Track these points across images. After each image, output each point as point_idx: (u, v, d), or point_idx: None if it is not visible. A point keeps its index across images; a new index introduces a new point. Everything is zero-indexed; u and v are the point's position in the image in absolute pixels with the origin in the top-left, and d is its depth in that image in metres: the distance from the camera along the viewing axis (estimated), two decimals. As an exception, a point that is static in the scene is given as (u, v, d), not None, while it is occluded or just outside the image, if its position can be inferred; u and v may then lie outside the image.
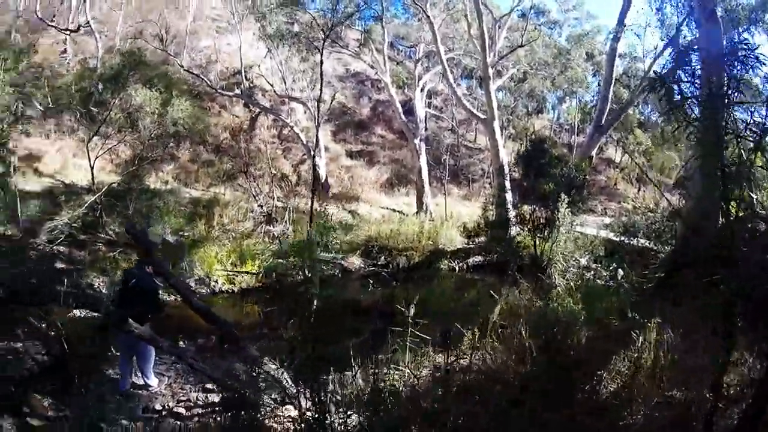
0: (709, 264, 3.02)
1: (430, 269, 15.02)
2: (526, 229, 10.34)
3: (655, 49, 20.75)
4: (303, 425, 3.84)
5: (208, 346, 7.46)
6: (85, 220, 12.26)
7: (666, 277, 7.51)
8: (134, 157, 13.77)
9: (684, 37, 17.54)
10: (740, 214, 2.86)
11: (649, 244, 9.34)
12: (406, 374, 4.90)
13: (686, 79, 3.02)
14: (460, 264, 15.45)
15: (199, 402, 5.51)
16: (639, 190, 31.94)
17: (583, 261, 14.32)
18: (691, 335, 4.63)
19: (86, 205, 12.35)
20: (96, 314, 6.02)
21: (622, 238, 11.73)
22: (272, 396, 4.66)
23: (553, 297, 6.39)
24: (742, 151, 2.81)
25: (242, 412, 3.88)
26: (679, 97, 2.99)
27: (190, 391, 5.77)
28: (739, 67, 2.86)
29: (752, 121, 2.86)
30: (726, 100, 2.87)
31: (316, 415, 3.65)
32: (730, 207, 2.71)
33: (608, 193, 32.03)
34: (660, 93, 2.91)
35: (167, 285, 7.25)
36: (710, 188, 2.90)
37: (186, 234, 13.14)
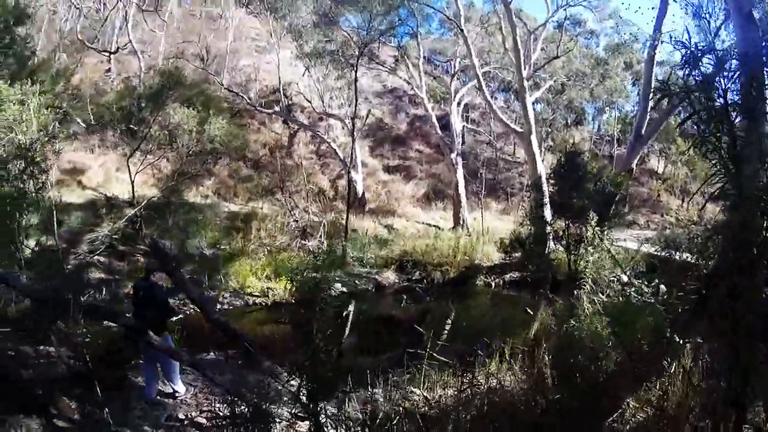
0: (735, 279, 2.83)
1: (466, 285, 14.83)
2: (561, 245, 10.09)
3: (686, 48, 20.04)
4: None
5: (236, 358, 7.49)
6: (125, 232, 12.71)
7: (706, 293, 7.17)
8: (173, 172, 14.15)
9: (723, 42, 16.92)
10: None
11: (692, 259, 8.96)
12: (425, 396, 4.80)
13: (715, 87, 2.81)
14: (496, 280, 15.19)
15: (221, 413, 5.51)
16: (683, 201, 30.88)
17: (624, 277, 13.89)
18: (718, 358, 4.36)
19: (126, 217, 12.77)
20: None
21: (663, 253, 11.31)
22: (291, 410, 4.62)
23: (581, 318, 6.18)
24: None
25: (257, 426, 3.83)
26: (702, 109, 2.79)
27: (215, 402, 5.80)
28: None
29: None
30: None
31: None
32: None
33: (651, 205, 31.06)
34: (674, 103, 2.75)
35: (188, 298, 7.36)
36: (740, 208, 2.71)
37: (223, 247, 13.36)
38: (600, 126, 39.44)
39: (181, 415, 5.48)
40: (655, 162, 35.66)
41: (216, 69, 26.75)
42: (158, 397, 5.77)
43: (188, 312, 9.39)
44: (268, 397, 3.88)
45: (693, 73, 2.81)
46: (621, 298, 7.80)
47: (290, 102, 28.43)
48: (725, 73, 2.80)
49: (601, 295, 8.76)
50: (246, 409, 3.74)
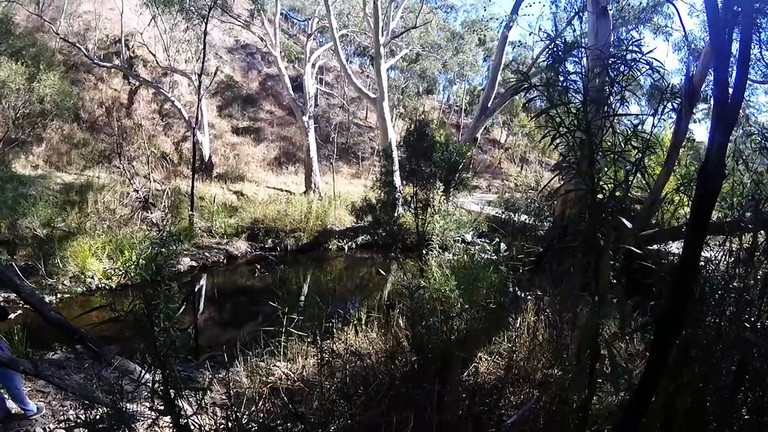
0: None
1: (319, 250, 14.89)
2: (410, 209, 10.49)
3: (543, 39, 21.70)
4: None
5: (85, 355, 6.75)
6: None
7: (544, 251, 7.87)
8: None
9: (574, 31, 18.56)
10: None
11: (529, 220, 9.83)
12: (285, 373, 4.71)
13: (562, 80, 2.91)
14: (349, 243, 15.46)
15: (80, 419, 4.94)
16: (521, 169, 33.64)
17: (468, 237, 14.85)
18: (563, 311, 4.76)
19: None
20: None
21: (504, 215, 12.24)
22: (152, 406, 4.28)
23: (430, 280, 6.44)
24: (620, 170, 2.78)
25: (118, 429, 3.47)
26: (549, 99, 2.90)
27: (71, 408, 5.20)
28: (625, 71, 2.77)
29: (635, 135, 2.82)
30: (606, 109, 2.83)
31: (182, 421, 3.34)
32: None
33: (493, 171, 33.46)
34: (525, 93, 2.83)
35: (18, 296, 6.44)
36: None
37: (58, 225, 11.83)
38: (450, 96, 41.32)
39: (38, 429, 4.86)
40: (498, 132, 38.41)
41: (53, 15, 23.45)
42: (13, 412, 5.03)
43: (26, 306, 8.23)
44: (125, 395, 3.51)
45: (556, 68, 2.89)
46: (466, 257, 8.33)
47: (132, 55, 25.91)
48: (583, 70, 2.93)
49: (447, 254, 9.27)
50: (104, 412, 3.36)
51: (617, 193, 2.59)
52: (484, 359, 4.85)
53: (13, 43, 12.27)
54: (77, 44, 20.97)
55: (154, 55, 22.19)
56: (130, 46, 25.77)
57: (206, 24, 15.73)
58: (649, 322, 2.84)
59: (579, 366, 2.55)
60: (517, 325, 5.09)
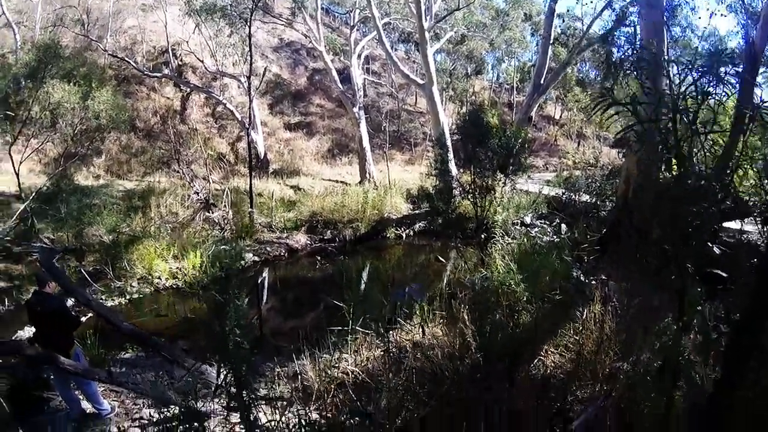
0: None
1: (378, 239, 14.97)
2: (468, 196, 10.32)
3: (594, 9, 20.85)
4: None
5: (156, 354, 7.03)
6: (17, 231, 11.35)
7: (608, 233, 7.59)
8: (60, 156, 12.91)
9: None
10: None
11: (591, 199, 9.49)
12: (351, 370, 4.74)
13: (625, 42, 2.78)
14: (407, 231, 15.50)
15: (153, 418, 5.16)
16: (579, 145, 32.61)
17: (527, 219, 14.56)
18: (632, 298, 4.57)
19: (16, 214, 11.47)
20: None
21: (563, 195, 11.87)
22: (222, 402, 4.43)
23: (492, 269, 6.31)
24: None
25: (194, 425, 3.62)
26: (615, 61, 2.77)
27: (143, 407, 5.44)
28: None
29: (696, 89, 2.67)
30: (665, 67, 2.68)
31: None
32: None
33: (549, 149, 32.61)
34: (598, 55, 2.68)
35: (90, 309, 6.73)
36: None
37: (123, 230, 12.35)
38: (499, 75, 40.28)
39: (113, 429, 5.09)
40: (552, 108, 37.34)
41: (99, 34, 24.58)
42: (87, 411, 5.30)
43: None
44: (196, 394, 3.64)
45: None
46: (526, 241, 8.14)
47: (181, 63, 26.74)
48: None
49: (507, 238, 9.08)
50: (177, 411, 3.50)
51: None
52: (550, 352, 4.73)
53: (63, 66, 12.69)
54: (126, 58, 21.81)
55: (202, 61, 22.79)
56: (178, 55, 26.60)
57: (249, 26, 15.96)
58: (725, 331, 2.67)
59: (659, 387, 2.44)
60: (584, 316, 4.92)
